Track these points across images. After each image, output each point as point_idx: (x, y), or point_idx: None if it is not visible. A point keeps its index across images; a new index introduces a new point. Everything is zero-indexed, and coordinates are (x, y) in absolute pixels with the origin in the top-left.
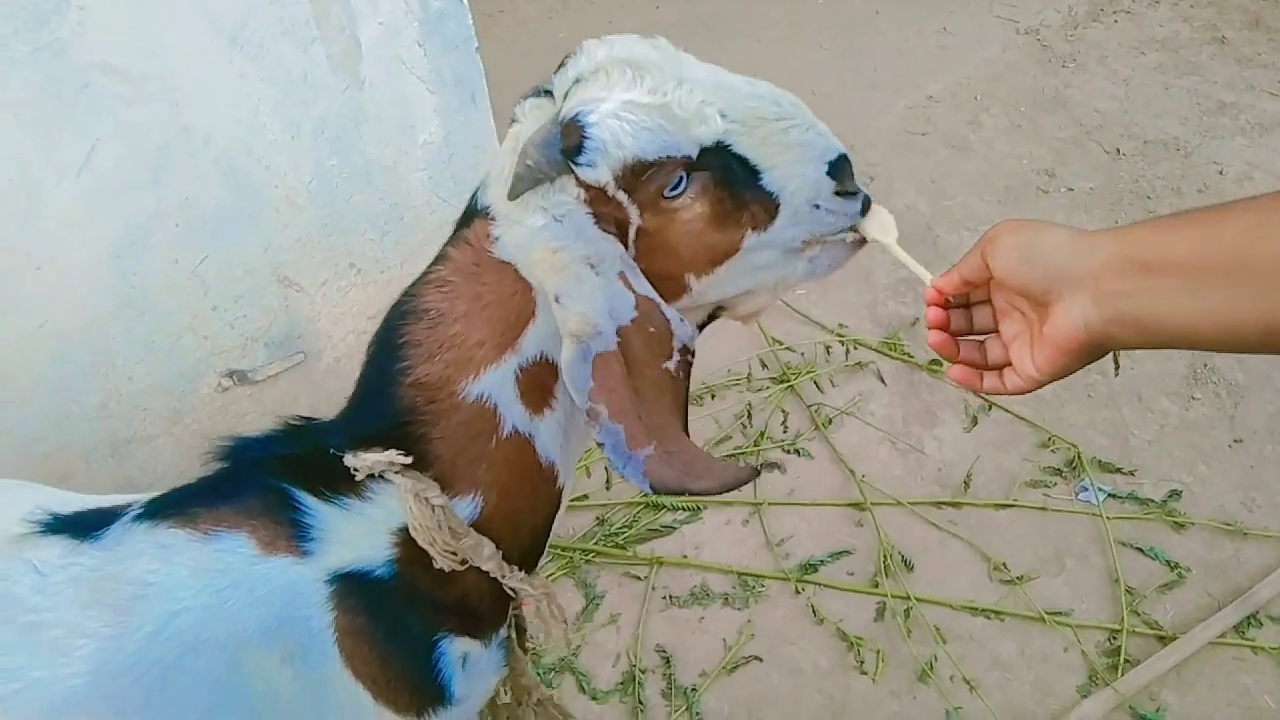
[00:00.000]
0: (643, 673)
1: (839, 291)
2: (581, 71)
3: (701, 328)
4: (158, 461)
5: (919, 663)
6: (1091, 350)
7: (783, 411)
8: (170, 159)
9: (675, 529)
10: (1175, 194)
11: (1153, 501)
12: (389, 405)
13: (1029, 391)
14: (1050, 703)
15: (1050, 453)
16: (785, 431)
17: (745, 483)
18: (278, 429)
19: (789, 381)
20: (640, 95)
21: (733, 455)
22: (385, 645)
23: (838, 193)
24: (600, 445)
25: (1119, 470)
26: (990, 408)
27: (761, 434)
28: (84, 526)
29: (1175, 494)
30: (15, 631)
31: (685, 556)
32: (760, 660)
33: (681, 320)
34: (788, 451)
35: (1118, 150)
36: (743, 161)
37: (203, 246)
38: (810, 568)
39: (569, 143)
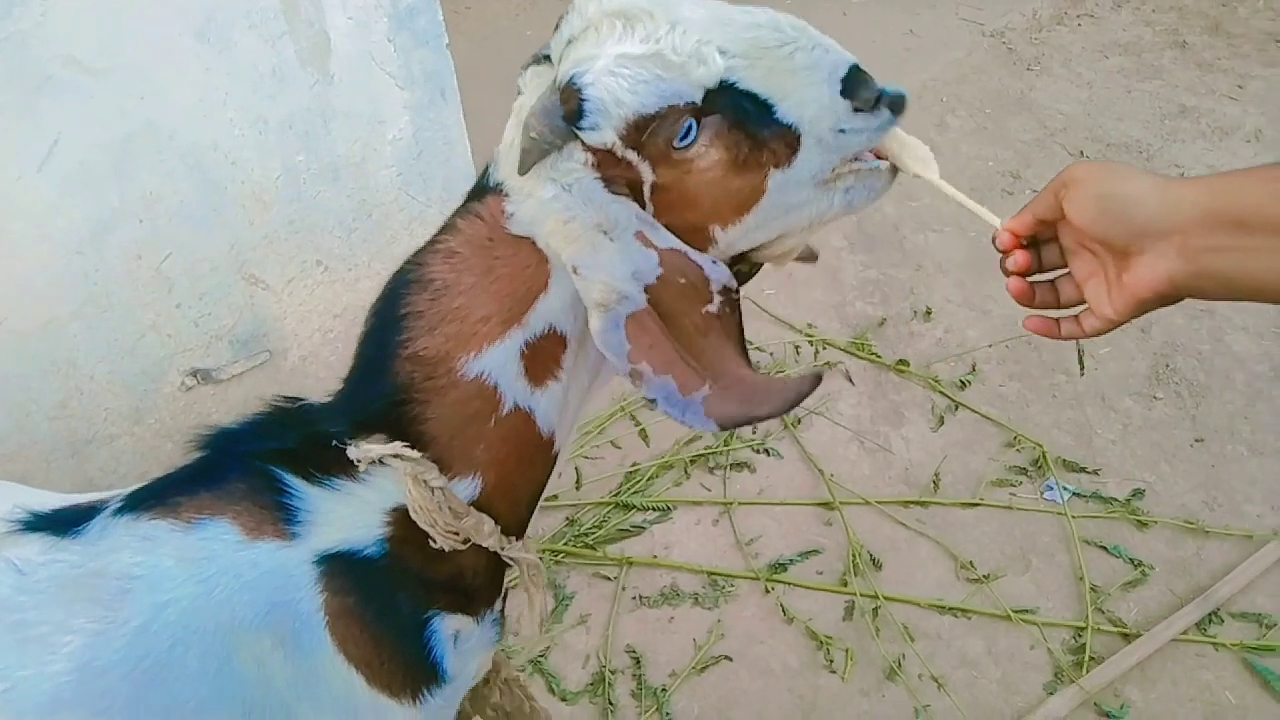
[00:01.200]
0: (612, 673)
1: (808, 292)
2: (573, 31)
3: (741, 279)
4: (119, 462)
5: (887, 661)
6: (1171, 299)
7: None
8: (134, 154)
9: (645, 529)
10: None
11: (1116, 500)
12: (386, 382)
13: (1106, 332)
14: (1017, 700)
15: (1016, 452)
16: (754, 431)
17: (808, 394)
18: (265, 415)
19: None
20: (632, 46)
21: (702, 455)
22: (376, 626)
23: (856, 109)
24: (651, 403)
25: (1083, 469)
26: (957, 408)
27: (731, 434)
28: (64, 523)
29: (1138, 493)
30: (0, 631)
31: (655, 556)
32: (730, 660)
33: (715, 263)
34: (757, 451)
35: (1081, 153)
36: (752, 97)
37: (167, 243)
38: (780, 567)
39: (569, 109)
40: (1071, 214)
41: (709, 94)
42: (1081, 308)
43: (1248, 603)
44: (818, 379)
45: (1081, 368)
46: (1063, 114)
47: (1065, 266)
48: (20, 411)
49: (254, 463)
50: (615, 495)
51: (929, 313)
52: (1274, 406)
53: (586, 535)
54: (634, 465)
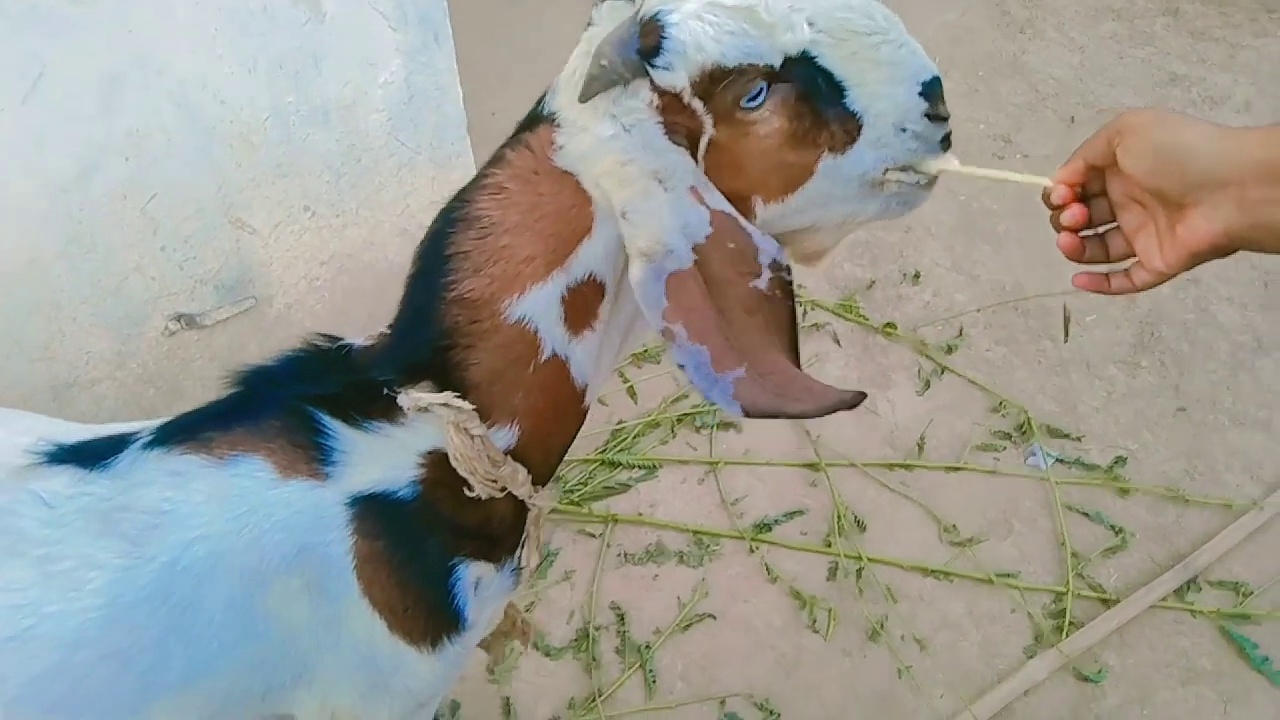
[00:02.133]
0: (597, 630)
1: None
2: None
3: None
4: (100, 407)
5: (870, 622)
6: (1226, 251)
7: None
8: (122, 89)
9: (631, 487)
10: None
11: (1099, 467)
12: (432, 327)
13: (1156, 285)
14: (997, 662)
15: (1001, 417)
16: None
17: (848, 406)
18: (305, 355)
19: None
20: None
21: (689, 414)
22: (404, 571)
23: (928, 115)
24: (680, 367)
25: (1067, 436)
26: (943, 372)
27: None
28: (91, 455)
29: (1121, 460)
30: (25, 566)
31: (640, 514)
32: (714, 618)
33: (765, 235)
34: None
35: (1072, 118)
36: (828, 76)
37: (153, 183)
38: (764, 527)
39: (647, 43)
40: (1126, 163)
41: (787, 61)
42: (1130, 262)
43: (1226, 571)
44: (860, 395)
45: (1067, 334)
46: (1054, 79)
47: (1110, 221)
48: (1, 353)
49: (291, 401)
50: (601, 452)
51: (917, 276)
52: (1256, 377)
53: (572, 492)
54: (620, 423)
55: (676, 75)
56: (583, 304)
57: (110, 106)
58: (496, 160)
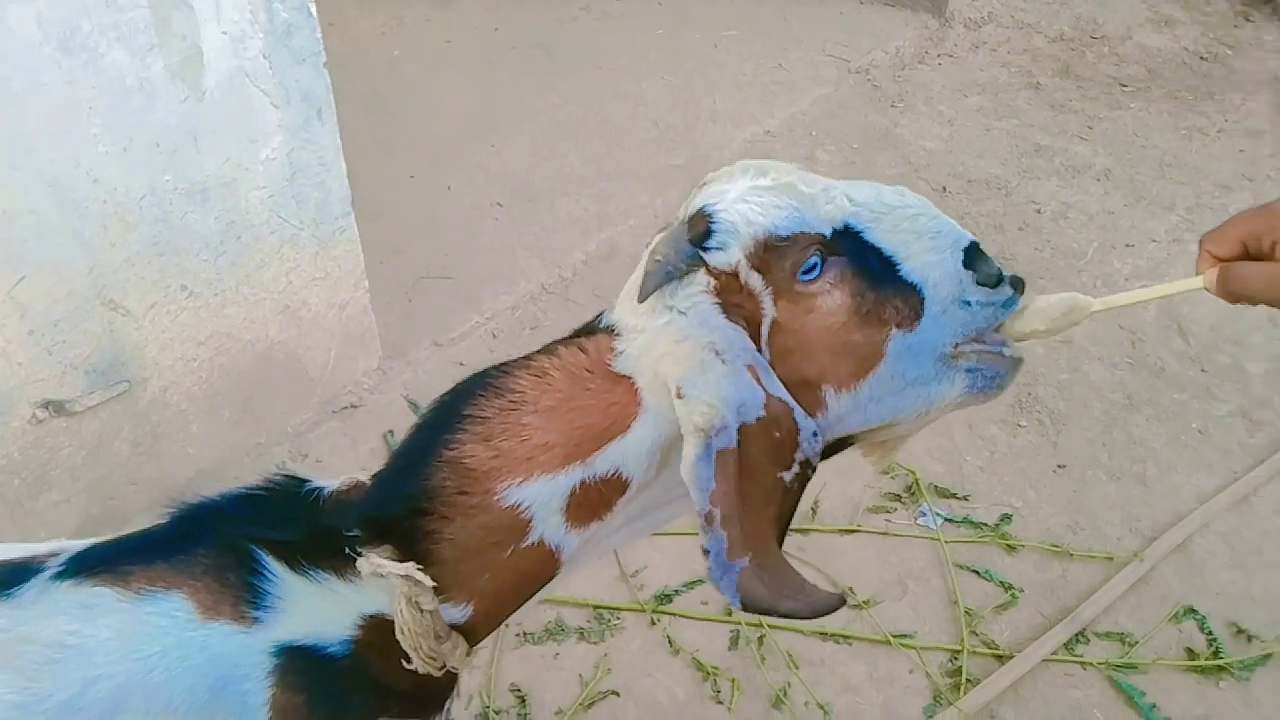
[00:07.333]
0: (497, 714)
1: None
2: (706, 180)
3: (825, 456)
4: None
5: (773, 690)
6: None
7: None
8: None
9: None
10: (998, 231)
11: (986, 525)
12: (416, 483)
13: None
14: None
15: (890, 479)
16: None
17: (834, 610)
18: (266, 492)
19: None
20: (764, 182)
21: None
22: None
23: (979, 283)
24: (705, 553)
25: (954, 495)
26: None
27: None
28: None
29: (1007, 518)
30: None
31: None
32: (618, 695)
33: (815, 435)
34: None
35: (944, 188)
36: (877, 252)
37: (21, 265)
38: (665, 598)
39: (695, 231)
40: None
41: (835, 235)
42: None
43: (1111, 622)
44: (841, 600)
45: None
46: (926, 150)
47: None
48: None
49: (233, 535)
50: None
51: None
52: (1129, 433)
53: None
54: None
55: (730, 253)
56: (596, 498)
57: None
58: (546, 350)
